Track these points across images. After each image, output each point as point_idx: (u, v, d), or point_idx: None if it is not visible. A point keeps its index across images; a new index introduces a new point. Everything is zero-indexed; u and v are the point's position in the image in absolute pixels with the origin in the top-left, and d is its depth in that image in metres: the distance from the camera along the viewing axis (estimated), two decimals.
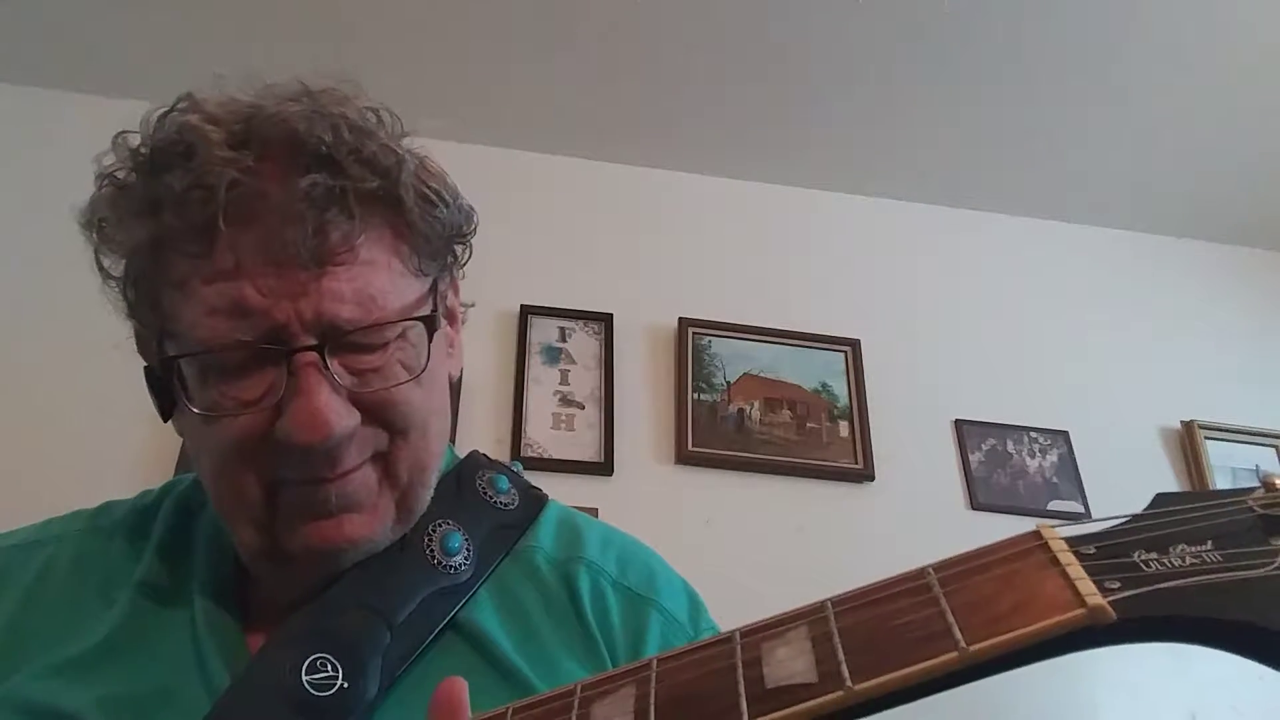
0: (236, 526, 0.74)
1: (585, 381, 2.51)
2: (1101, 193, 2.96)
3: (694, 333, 2.62)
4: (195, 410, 0.70)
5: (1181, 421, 2.71)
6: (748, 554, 2.28)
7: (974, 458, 2.58)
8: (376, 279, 0.71)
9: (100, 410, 2.23)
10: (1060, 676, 2.30)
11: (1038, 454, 2.62)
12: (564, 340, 2.55)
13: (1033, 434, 2.64)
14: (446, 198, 0.78)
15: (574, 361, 2.53)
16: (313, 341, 0.68)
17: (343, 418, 0.68)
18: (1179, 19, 2.38)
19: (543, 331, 2.55)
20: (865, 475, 2.50)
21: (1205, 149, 2.78)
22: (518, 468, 0.91)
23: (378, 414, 0.72)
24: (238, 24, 2.41)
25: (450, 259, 0.81)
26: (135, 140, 0.73)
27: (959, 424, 2.63)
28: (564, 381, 2.50)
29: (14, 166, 2.52)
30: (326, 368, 0.68)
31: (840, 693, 0.40)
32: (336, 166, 0.69)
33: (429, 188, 0.76)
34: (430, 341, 0.75)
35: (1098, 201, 2.99)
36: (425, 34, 2.42)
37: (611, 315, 2.60)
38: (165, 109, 0.73)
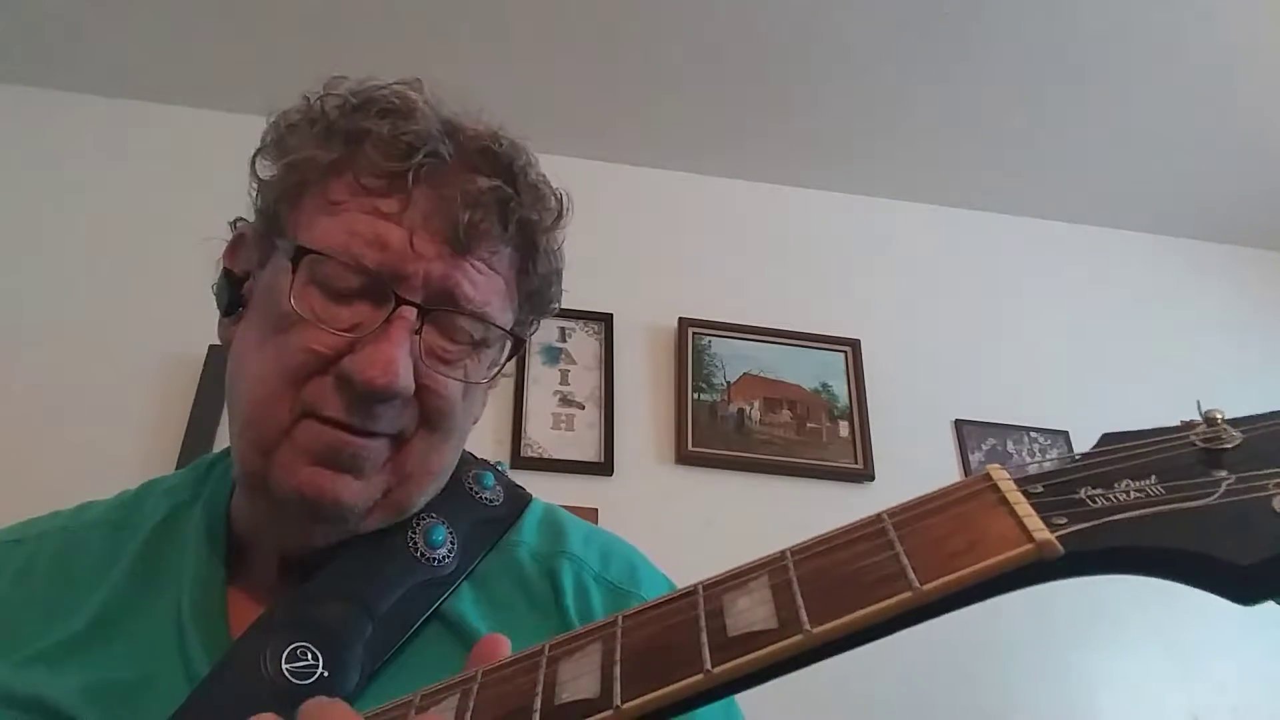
0: (245, 441, 0.75)
1: (585, 381, 2.51)
2: (1101, 193, 2.96)
3: (694, 333, 2.62)
4: (291, 304, 0.72)
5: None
6: (748, 554, 2.25)
7: (974, 458, 2.58)
8: (495, 288, 0.78)
9: (100, 410, 2.24)
10: (1061, 677, 2.30)
11: (1038, 454, 2.62)
12: (564, 340, 2.56)
13: (1033, 434, 2.64)
14: (560, 266, 0.86)
15: (574, 361, 2.53)
16: (420, 301, 0.73)
17: (406, 376, 0.72)
18: (1180, 19, 2.38)
19: (543, 331, 2.53)
20: (865, 475, 2.50)
21: (1205, 149, 2.78)
22: (503, 467, 0.93)
23: (423, 397, 0.74)
24: (237, 23, 2.43)
25: (530, 321, 0.88)
26: (348, 86, 0.80)
27: (959, 424, 2.63)
28: (564, 381, 2.50)
29: (14, 166, 2.54)
30: (418, 332, 0.73)
31: (800, 636, 0.41)
32: (515, 185, 0.78)
33: (556, 249, 0.85)
34: (505, 360, 0.82)
35: (1098, 201, 2.99)
36: (423, 33, 2.44)
37: (611, 315, 2.60)
38: (384, 82, 0.80)
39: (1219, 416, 0.40)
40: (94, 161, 2.56)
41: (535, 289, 0.84)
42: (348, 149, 0.76)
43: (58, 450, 2.17)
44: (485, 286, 0.76)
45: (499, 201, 0.76)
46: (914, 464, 2.53)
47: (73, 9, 2.40)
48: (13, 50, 2.52)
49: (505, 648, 0.56)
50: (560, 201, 0.84)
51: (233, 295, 0.81)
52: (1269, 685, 2.33)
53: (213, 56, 2.49)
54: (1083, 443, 2.56)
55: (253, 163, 0.81)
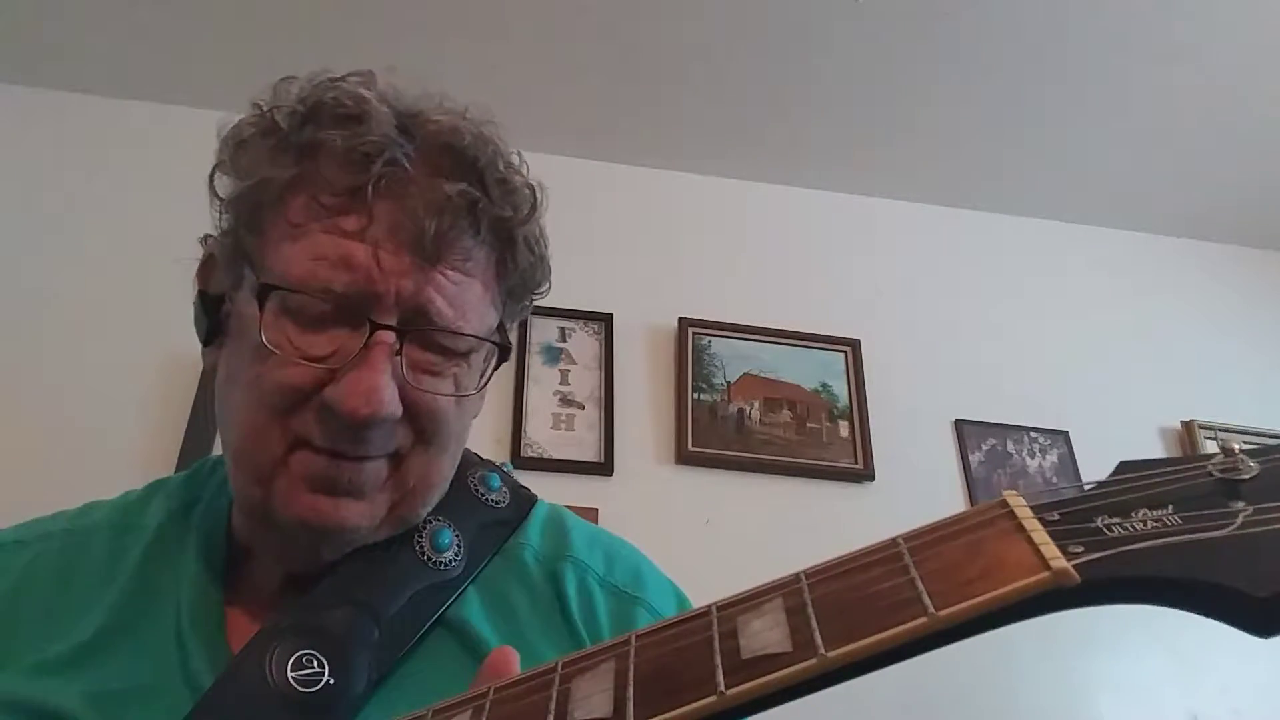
0: (241, 474, 0.74)
1: (585, 381, 2.51)
2: (1101, 193, 2.96)
3: (694, 333, 2.62)
4: (263, 341, 0.70)
5: (1181, 421, 2.71)
6: (748, 554, 2.28)
7: (974, 458, 2.58)
8: (473, 294, 0.75)
9: (100, 410, 2.24)
10: (1062, 678, 2.30)
11: (1038, 454, 2.62)
12: (564, 340, 2.56)
13: (1033, 434, 2.65)
14: (544, 252, 0.83)
15: (574, 361, 2.54)
16: (396, 323, 0.70)
17: (391, 402, 0.70)
18: (1179, 19, 2.38)
19: (543, 331, 2.56)
20: (865, 475, 2.50)
21: (1205, 149, 2.79)
22: (508, 468, 0.92)
23: (414, 415, 0.73)
24: (238, 24, 2.42)
25: (519, 306, 0.85)
26: (298, 90, 0.76)
27: (959, 424, 2.63)
28: (564, 381, 2.50)
29: (14, 166, 2.54)
30: (399, 353, 0.70)
31: (814, 660, 0.41)
32: (482, 185, 0.74)
33: (535, 238, 0.81)
34: (493, 368, 0.79)
35: (1098, 201, 2.99)
36: (422, 33, 2.44)
37: (611, 315, 2.60)
38: (339, 76, 0.76)
39: (1236, 447, 0.40)
40: (94, 161, 2.56)
41: (518, 283, 0.81)
42: (302, 165, 0.73)
43: (57, 450, 2.17)
44: (460, 297, 0.73)
45: (467, 205, 0.73)
46: (914, 464, 2.54)
47: (72, 9, 2.40)
48: (13, 50, 2.51)
49: (515, 661, 0.56)
50: (534, 190, 0.80)
51: (211, 321, 0.79)
52: (1270, 686, 2.33)
53: (212, 56, 2.49)
54: (1082, 443, 2.58)
55: (211, 180, 0.78)
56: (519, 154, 0.81)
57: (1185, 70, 2.53)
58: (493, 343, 0.78)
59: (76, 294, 2.37)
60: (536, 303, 0.87)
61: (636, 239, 2.77)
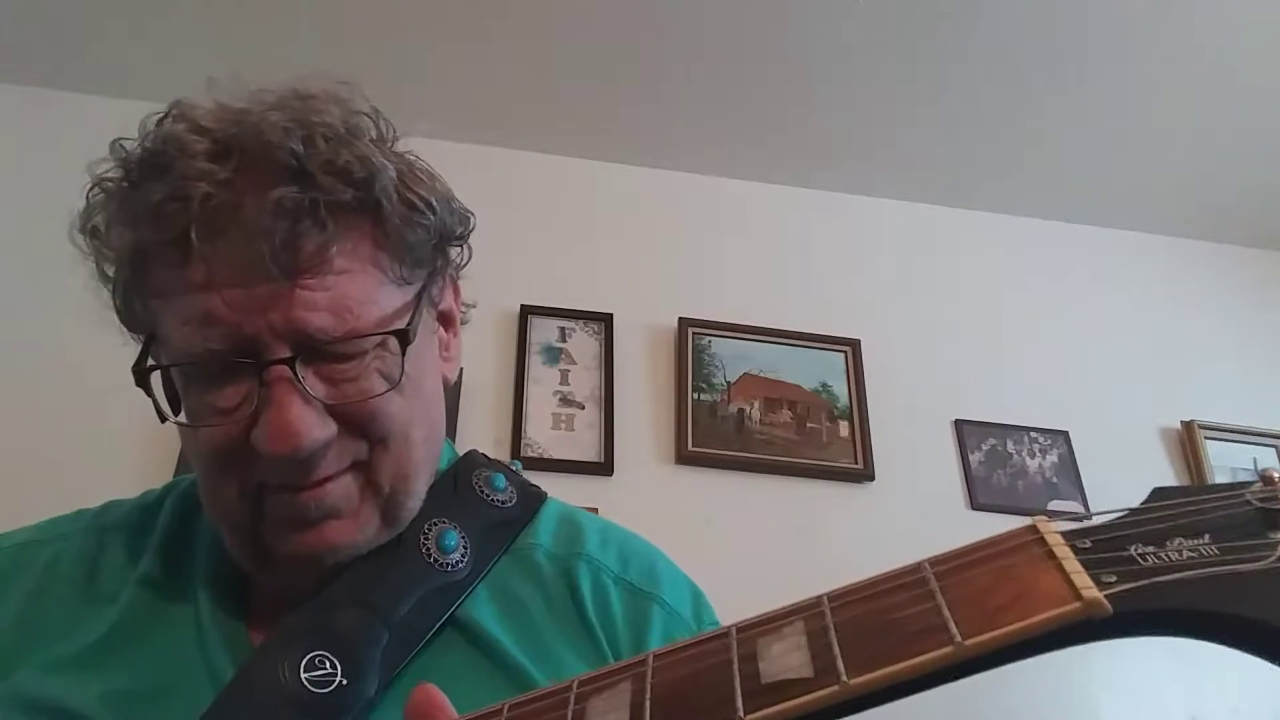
0: (222, 528, 0.75)
1: (585, 381, 2.51)
2: (1101, 193, 2.96)
3: (694, 333, 2.62)
4: (178, 418, 0.72)
5: (1181, 421, 2.71)
6: (748, 554, 2.27)
7: (974, 458, 2.58)
8: (354, 289, 0.70)
9: (100, 410, 2.23)
10: (1061, 679, 2.30)
11: (1038, 454, 2.62)
12: (564, 340, 2.55)
13: (1033, 434, 2.64)
14: (434, 203, 0.76)
15: (574, 361, 2.53)
16: (286, 353, 0.68)
17: (314, 429, 0.68)
18: (1179, 18, 2.38)
19: (543, 331, 2.55)
20: (865, 475, 2.50)
21: (1205, 149, 2.78)
22: (517, 466, 0.91)
23: (355, 424, 0.72)
24: (237, 24, 2.41)
25: (441, 263, 0.80)
26: (130, 146, 0.73)
27: (959, 424, 2.63)
28: (564, 381, 2.50)
29: (14, 166, 2.52)
30: (299, 379, 0.68)
31: (835, 687, 0.40)
32: (308, 178, 0.68)
33: (414, 194, 0.75)
34: (404, 355, 0.73)
35: (1098, 201, 2.99)
36: (424, 33, 2.42)
37: (611, 315, 2.60)
38: (160, 115, 0.73)
39: (1276, 475, 0.39)
40: (94, 162, 2.54)
41: (410, 244, 0.75)
42: (137, 230, 0.70)
43: (57, 450, 2.17)
44: (340, 299, 0.69)
45: (296, 210, 0.67)
46: (914, 464, 2.54)
47: (72, 9, 2.39)
48: (13, 50, 2.50)
49: (437, 698, 0.56)
50: (372, 157, 0.72)
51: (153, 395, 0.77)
52: (1270, 686, 2.33)
53: (213, 57, 2.47)
54: (1083, 443, 2.57)
55: (98, 267, 0.76)
56: (370, 116, 0.76)
57: (1185, 70, 2.53)
58: (389, 332, 0.72)
59: (76, 293, 2.35)
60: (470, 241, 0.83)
61: (636, 239, 2.76)
